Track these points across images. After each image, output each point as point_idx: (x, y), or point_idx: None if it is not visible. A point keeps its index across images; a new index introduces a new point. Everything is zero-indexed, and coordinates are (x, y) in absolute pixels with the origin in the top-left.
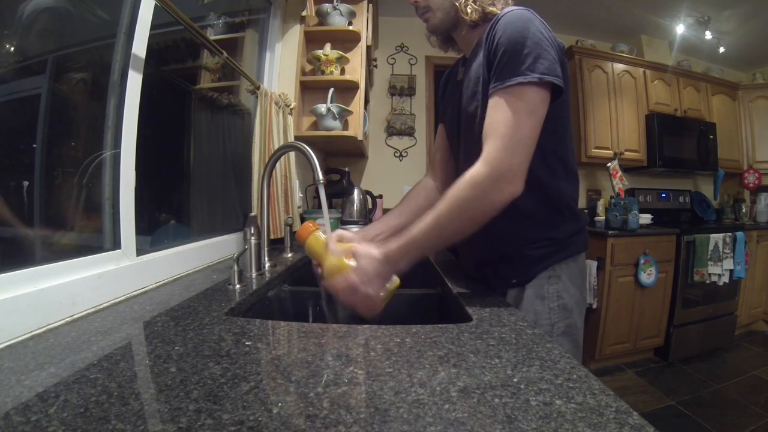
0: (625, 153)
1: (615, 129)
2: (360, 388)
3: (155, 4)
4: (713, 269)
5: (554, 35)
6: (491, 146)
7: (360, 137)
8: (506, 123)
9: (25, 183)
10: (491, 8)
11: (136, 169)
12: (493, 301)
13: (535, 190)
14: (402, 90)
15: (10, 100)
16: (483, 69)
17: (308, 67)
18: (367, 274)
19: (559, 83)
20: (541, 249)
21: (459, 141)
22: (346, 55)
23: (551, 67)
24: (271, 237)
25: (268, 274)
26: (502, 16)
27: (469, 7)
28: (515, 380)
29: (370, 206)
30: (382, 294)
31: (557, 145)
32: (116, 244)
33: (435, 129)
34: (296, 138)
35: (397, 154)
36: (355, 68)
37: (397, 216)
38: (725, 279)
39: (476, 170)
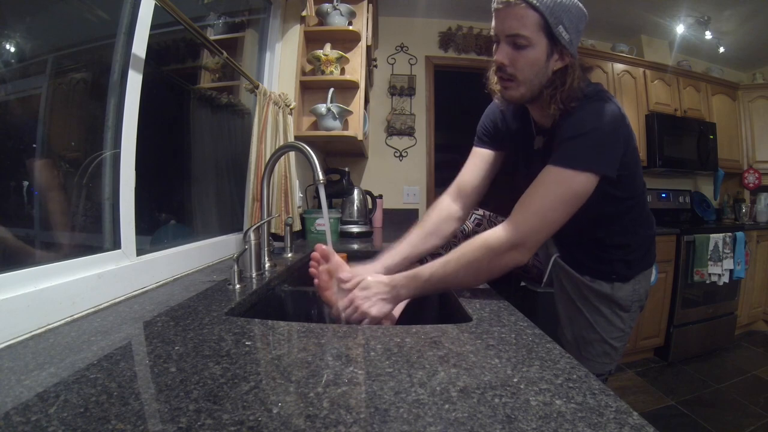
0: None
1: None
2: (360, 388)
3: (155, 4)
4: (713, 269)
5: (626, 121)
6: (520, 216)
7: (360, 137)
8: (542, 202)
9: (25, 183)
10: (572, 104)
11: (136, 169)
12: (493, 301)
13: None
14: (402, 90)
15: (10, 100)
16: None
17: (308, 67)
18: (369, 288)
19: (608, 173)
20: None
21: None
22: (346, 55)
23: (606, 161)
24: (272, 231)
25: (268, 274)
26: (583, 104)
27: (553, 104)
28: (515, 380)
29: (370, 206)
30: (379, 314)
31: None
32: (116, 244)
33: (435, 129)
34: (296, 138)
35: (397, 154)
36: (355, 68)
37: (409, 245)
38: (725, 279)
39: (495, 235)
